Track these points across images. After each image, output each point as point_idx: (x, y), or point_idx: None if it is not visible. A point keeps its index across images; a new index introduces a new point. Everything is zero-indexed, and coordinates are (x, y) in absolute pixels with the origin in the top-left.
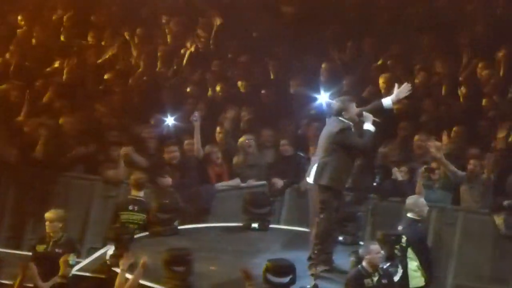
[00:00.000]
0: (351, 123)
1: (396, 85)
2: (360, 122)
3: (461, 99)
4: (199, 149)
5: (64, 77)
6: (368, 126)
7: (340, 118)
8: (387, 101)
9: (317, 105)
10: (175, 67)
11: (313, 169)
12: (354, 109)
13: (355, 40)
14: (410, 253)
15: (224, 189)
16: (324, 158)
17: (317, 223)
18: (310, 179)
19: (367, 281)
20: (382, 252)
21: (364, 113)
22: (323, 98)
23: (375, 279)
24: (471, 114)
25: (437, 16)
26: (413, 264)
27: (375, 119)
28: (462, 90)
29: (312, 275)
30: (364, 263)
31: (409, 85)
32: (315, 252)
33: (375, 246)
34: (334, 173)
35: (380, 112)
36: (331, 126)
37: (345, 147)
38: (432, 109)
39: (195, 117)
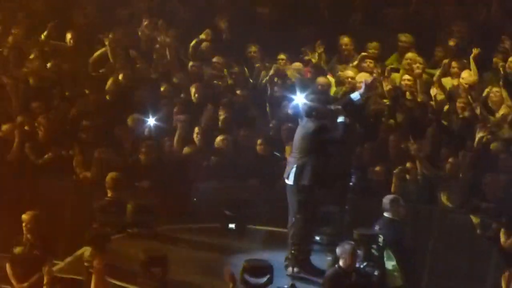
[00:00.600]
0: (322, 121)
1: (364, 80)
2: (333, 117)
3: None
4: (179, 149)
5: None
6: (341, 119)
7: (311, 118)
8: (355, 96)
9: (293, 105)
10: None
11: (292, 171)
12: (323, 107)
13: (330, 40)
14: (387, 252)
15: (201, 190)
16: (302, 158)
17: (295, 223)
18: (289, 181)
19: (344, 280)
20: (359, 251)
21: (335, 109)
22: (299, 98)
23: (353, 278)
24: (445, 114)
25: (413, 16)
26: (390, 263)
27: (344, 113)
28: (436, 90)
29: (289, 275)
30: (340, 263)
31: (377, 79)
32: (292, 252)
33: (350, 246)
34: (314, 172)
35: (350, 107)
36: (305, 128)
37: (323, 144)
38: (408, 109)
39: (181, 118)
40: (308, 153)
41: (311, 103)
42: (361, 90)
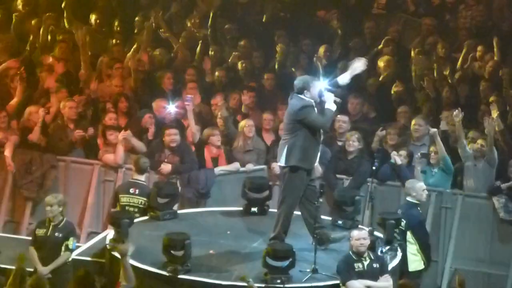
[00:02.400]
0: (312, 100)
1: (355, 59)
2: (322, 102)
3: (459, 83)
4: (193, 132)
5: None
6: (329, 105)
7: (301, 96)
8: (343, 79)
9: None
10: (173, 53)
11: (283, 153)
12: (315, 88)
13: (354, 25)
14: (409, 237)
15: (223, 174)
16: (291, 139)
17: (281, 202)
18: (281, 163)
19: (357, 264)
20: (367, 237)
21: (326, 93)
22: (321, 84)
23: (366, 263)
24: (469, 98)
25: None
26: (412, 247)
27: (336, 99)
28: (460, 74)
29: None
30: (353, 248)
31: (365, 60)
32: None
33: (357, 232)
34: (302, 153)
35: (337, 89)
36: (293, 104)
37: (306, 124)
38: (430, 93)
39: (188, 100)
40: (296, 132)
41: (303, 80)
42: (348, 72)
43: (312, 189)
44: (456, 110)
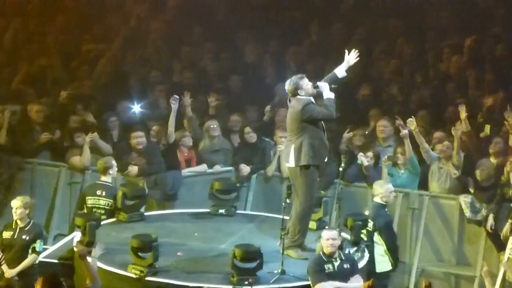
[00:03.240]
0: (309, 97)
1: (346, 52)
2: (318, 93)
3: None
4: (171, 133)
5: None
6: (327, 94)
7: (298, 97)
8: (340, 71)
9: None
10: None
11: (291, 154)
12: (307, 84)
13: (322, 25)
14: (376, 238)
15: (191, 175)
16: (297, 139)
17: (301, 208)
18: (290, 164)
19: (327, 266)
20: (337, 237)
21: (320, 84)
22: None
23: (336, 264)
24: (436, 99)
25: (402, 1)
26: (379, 248)
27: (331, 86)
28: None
29: (295, 257)
30: (323, 249)
31: (357, 51)
32: (296, 234)
33: (328, 232)
34: (311, 150)
35: (335, 83)
36: (293, 107)
37: (313, 121)
38: (398, 94)
39: (174, 100)
40: (301, 132)
41: (293, 82)
42: (344, 64)
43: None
44: (410, 118)
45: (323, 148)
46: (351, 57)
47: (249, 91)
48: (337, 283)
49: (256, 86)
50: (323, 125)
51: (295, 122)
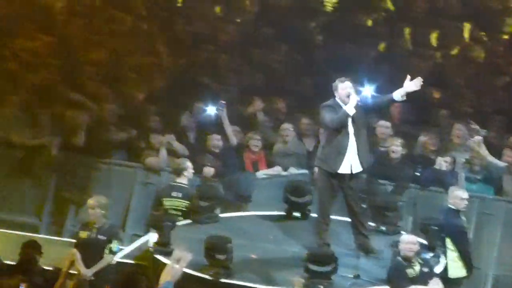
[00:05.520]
0: (336, 101)
1: (408, 77)
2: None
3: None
4: (231, 137)
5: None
6: (348, 107)
7: (334, 98)
8: (397, 95)
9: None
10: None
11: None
12: (342, 88)
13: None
14: (448, 243)
15: (265, 178)
16: (321, 140)
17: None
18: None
19: (409, 271)
20: (417, 242)
21: (351, 96)
22: (367, 90)
23: (417, 268)
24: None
25: (476, 4)
26: (452, 254)
27: (358, 103)
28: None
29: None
30: (402, 253)
31: (420, 79)
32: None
33: (407, 237)
34: (321, 153)
35: (387, 104)
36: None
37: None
38: (473, 98)
39: (221, 106)
40: (323, 132)
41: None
42: (402, 90)
43: (351, 195)
44: (477, 137)
45: (336, 155)
46: (410, 85)
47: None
48: (419, 287)
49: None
50: (351, 131)
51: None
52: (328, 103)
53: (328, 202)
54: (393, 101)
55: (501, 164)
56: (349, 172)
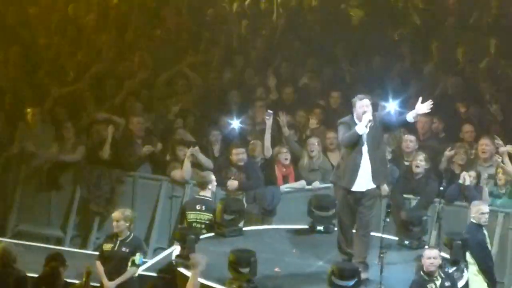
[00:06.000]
0: (353, 118)
1: (420, 99)
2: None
3: None
4: (268, 148)
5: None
6: (359, 127)
7: (352, 114)
8: (410, 117)
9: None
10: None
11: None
12: (360, 107)
13: (423, 44)
14: (469, 257)
15: (289, 191)
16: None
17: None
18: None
19: (430, 285)
20: (439, 256)
21: (364, 115)
22: (391, 106)
23: (438, 283)
24: None
25: (504, 20)
26: (472, 268)
27: (370, 123)
28: None
29: None
30: (424, 268)
31: (431, 102)
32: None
33: (429, 251)
34: (337, 169)
35: (402, 125)
36: None
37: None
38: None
39: (268, 115)
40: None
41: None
42: (413, 112)
43: (362, 213)
44: (502, 148)
45: (349, 172)
46: (422, 108)
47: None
48: None
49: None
50: (365, 149)
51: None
52: (345, 119)
53: (346, 218)
54: (406, 122)
55: None
56: (362, 190)
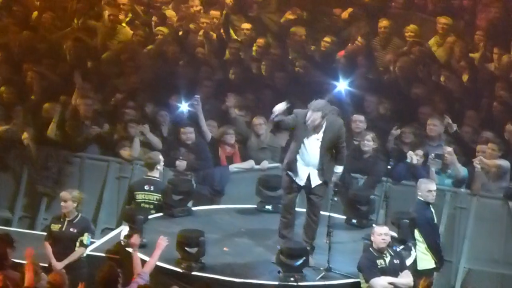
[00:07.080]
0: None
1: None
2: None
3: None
4: (205, 131)
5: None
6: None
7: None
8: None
9: (336, 93)
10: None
11: None
12: (308, 117)
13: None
14: (417, 235)
15: (238, 171)
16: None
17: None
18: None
19: (379, 261)
20: (389, 233)
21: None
22: (341, 85)
23: (387, 259)
24: (485, 98)
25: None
26: (421, 246)
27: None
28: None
29: None
30: (374, 245)
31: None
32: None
33: (379, 228)
34: (286, 157)
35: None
36: None
37: None
38: (449, 93)
39: (195, 100)
40: None
41: None
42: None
43: (311, 205)
44: (448, 148)
45: (292, 158)
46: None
47: (295, 88)
48: (390, 278)
49: (303, 83)
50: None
51: None
52: (299, 112)
53: (289, 200)
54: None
55: (465, 172)
56: (308, 185)
